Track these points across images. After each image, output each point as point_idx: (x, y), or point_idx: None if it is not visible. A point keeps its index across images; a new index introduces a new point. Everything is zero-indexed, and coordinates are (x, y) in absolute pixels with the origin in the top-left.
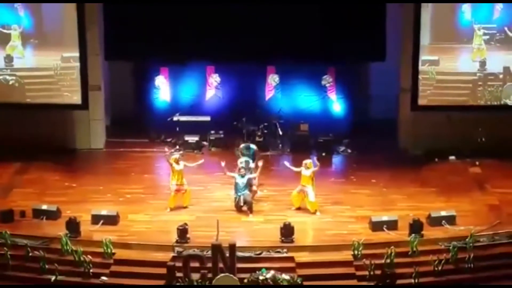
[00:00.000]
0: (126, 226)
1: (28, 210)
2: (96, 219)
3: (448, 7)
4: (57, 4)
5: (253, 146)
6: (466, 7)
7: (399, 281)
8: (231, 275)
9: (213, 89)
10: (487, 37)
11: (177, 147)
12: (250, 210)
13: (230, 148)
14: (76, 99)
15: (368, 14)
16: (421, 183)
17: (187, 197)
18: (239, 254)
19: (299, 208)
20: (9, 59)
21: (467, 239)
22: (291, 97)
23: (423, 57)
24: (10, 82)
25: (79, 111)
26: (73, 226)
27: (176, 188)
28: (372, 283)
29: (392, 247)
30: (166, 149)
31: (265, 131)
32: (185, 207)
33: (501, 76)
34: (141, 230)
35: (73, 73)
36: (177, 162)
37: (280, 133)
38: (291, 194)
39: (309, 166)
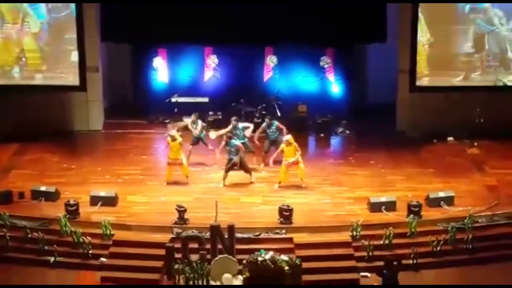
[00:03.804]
0: (124, 207)
1: (27, 192)
2: (94, 200)
3: None
4: None
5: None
6: None
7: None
8: (230, 256)
9: (211, 70)
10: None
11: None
12: (248, 172)
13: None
14: (73, 80)
15: None
16: (419, 164)
17: (184, 169)
18: (238, 235)
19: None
20: None
21: (465, 220)
22: (289, 78)
23: (421, 38)
24: None
25: (77, 93)
26: (71, 209)
27: (170, 161)
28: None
29: (390, 228)
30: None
31: (264, 112)
32: (187, 178)
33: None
34: (139, 211)
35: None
36: (173, 139)
37: (279, 114)
38: (280, 170)
39: (290, 142)
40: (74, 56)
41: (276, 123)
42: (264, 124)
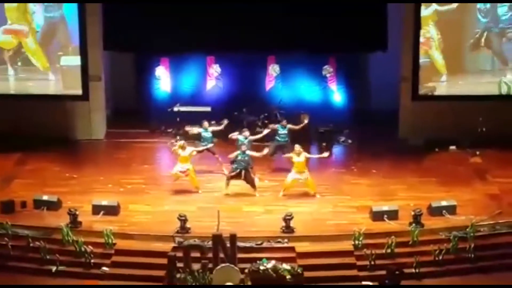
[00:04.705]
0: (127, 216)
1: (29, 201)
2: (97, 209)
3: None
4: None
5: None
6: None
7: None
8: (232, 265)
9: (214, 79)
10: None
11: (178, 137)
12: (253, 187)
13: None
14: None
15: (369, 3)
16: (421, 173)
17: (192, 180)
18: (240, 244)
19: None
20: None
21: (467, 229)
22: (291, 87)
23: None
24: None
25: (79, 102)
26: (72, 218)
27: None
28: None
29: (392, 237)
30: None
31: (266, 122)
32: (197, 191)
33: None
34: (141, 221)
35: None
36: (183, 148)
37: None
38: (285, 181)
39: (299, 151)
40: (64, 61)
41: (289, 126)
42: (278, 125)
